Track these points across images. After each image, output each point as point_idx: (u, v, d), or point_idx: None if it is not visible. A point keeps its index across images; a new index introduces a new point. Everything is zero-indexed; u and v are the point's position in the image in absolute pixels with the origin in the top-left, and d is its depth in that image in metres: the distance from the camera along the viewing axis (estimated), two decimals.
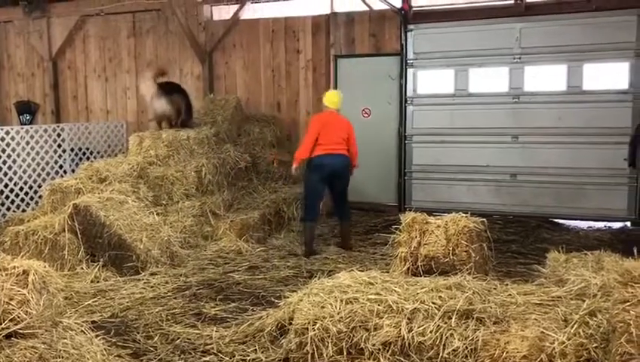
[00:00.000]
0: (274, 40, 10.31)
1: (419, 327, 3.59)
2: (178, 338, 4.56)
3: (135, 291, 5.62)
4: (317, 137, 6.90)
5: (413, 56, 9.29)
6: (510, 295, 3.94)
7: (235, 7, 10.46)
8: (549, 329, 3.39)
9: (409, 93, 9.36)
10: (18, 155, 9.10)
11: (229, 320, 4.93)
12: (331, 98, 7.27)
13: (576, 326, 3.37)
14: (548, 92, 8.65)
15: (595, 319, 3.40)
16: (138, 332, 4.68)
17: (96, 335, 3.86)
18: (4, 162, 8.87)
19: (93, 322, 4.78)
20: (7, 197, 8.92)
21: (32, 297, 3.40)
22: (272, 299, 5.27)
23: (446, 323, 3.59)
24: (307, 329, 3.78)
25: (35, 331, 3.43)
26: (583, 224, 8.43)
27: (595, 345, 3.25)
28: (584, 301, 3.63)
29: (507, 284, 4.22)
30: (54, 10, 11.78)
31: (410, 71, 9.33)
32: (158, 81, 8.61)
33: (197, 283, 5.91)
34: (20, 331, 3.38)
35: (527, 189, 8.84)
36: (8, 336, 3.36)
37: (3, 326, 3.32)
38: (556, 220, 8.65)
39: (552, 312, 3.61)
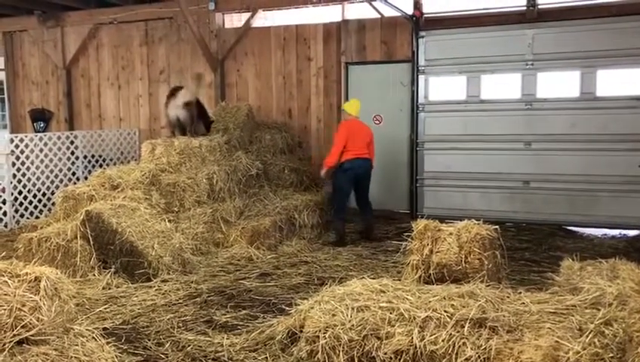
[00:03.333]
0: (285, 47, 10.35)
1: (431, 336, 3.55)
2: (189, 345, 4.55)
3: (146, 298, 5.62)
4: (345, 144, 7.53)
5: (424, 63, 9.28)
6: (524, 303, 3.88)
7: (247, 15, 10.52)
8: (564, 338, 3.34)
9: (420, 99, 9.34)
10: (32, 162, 9.19)
11: (239, 327, 4.91)
12: (354, 106, 7.91)
13: (591, 335, 3.31)
14: (561, 98, 8.60)
15: (610, 328, 3.34)
16: (149, 339, 4.67)
17: (108, 342, 3.84)
18: (19, 169, 8.96)
19: (104, 329, 4.78)
20: (20, 204, 9.00)
21: (43, 304, 3.39)
22: (283, 307, 5.25)
23: (458, 331, 3.54)
24: (318, 337, 3.75)
25: (46, 337, 3.42)
26: (598, 232, 8.33)
27: (610, 354, 3.20)
28: (599, 310, 3.57)
29: (520, 292, 4.17)
30: (68, 19, 11.92)
31: (421, 77, 9.31)
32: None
33: (208, 290, 5.90)
34: (32, 337, 3.38)
35: (540, 196, 8.77)
36: (20, 343, 3.36)
37: (15, 332, 3.32)
38: (570, 228, 8.57)
39: (566, 321, 3.56)
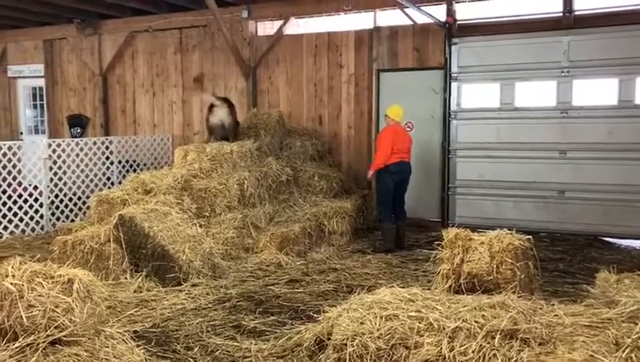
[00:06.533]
0: (317, 55, 10.38)
1: (460, 347, 3.49)
2: (217, 350, 4.57)
3: (176, 302, 5.68)
4: (392, 148, 7.69)
5: (457, 70, 9.19)
6: (557, 315, 3.79)
7: (279, 22, 10.60)
8: (599, 352, 3.24)
9: (453, 107, 9.25)
10: (68, 167, 9.41)
11: (267, 333, 4.92)
12: (398, 112, 7.99)
13: (628, 350, 3.21)
14: (598, 106, 8.41)
15: None
16: (178, 343, 4.71)
17: (137, 345, 3.90)
18: (55, 173, 9.18)
19: (134, 331, 4.85)
20: (57, 207, 9.22)
21: (76, 305, 3.47)
22: (311, 314, 5.25)
23: (489, 343, 3.47)
24: (346, 345, 3.72)
25: (78, 339, 3.49)
26: (635, 243, 8.09)
27: None
28: (637, 324, 3.46)
29: (554, 304, 4.07)
30: (105, 27, 12.21)
31: (454, 85, 9.22)
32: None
33: (237, 295, 5.93)
34: (64, 338, 3.45)
35: (575, 206, 8.57)
36: (53, 343, 3.44)
37: (48, 332, 3.40)
38: (606, 239, 8.35)
39: (601, 335, 3.46)
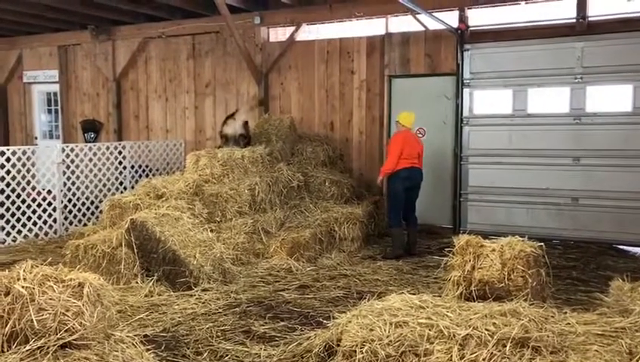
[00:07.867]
0: (328, 61, 10.40)
1: (471, 354, 3.45)
2: (227, 355, 4.57)
3: (187, 306, 5.69)
4: (401, 153, 7.71)
5: (469, 76, 9.16)
6: (569, 324, 3.75)
7: (291, 29, 10.63)
8: None
9: (465, 113, 9.22)
10: (82, 171, 9.49)
11: (277, 338, 4.91)
12: (408, 118, 8.06)
13: None
14: (612, 113, 8.34)
15: None
16: (188, 348, 4.71)
17: (147, 349, 3.90)
18: (69, 178, 9.26)
19: (145, 336, 4.85)
20: (70, 211, 9.29)
21: (86, 309, 3.48)
22: (321, 320, 5.24)
23: (500, 351, 3.44)
24: (355, 351, 3.69)
25: (88, 342, 3.49)
26: None
27: None
28: None
29: (566, 312, 4.04)
30: (119, 33, 12.32)
31: (466, 91, 9.20)
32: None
33: (247, 300, 5.93)
34: (75, 342, 3.46)
35: (589, 214, 8.49)
36: (63, 346, 3.45)
37: (58, 336, 3.41)
38: (620, 247, 8.25)
39: (615, 344, 3.41)
